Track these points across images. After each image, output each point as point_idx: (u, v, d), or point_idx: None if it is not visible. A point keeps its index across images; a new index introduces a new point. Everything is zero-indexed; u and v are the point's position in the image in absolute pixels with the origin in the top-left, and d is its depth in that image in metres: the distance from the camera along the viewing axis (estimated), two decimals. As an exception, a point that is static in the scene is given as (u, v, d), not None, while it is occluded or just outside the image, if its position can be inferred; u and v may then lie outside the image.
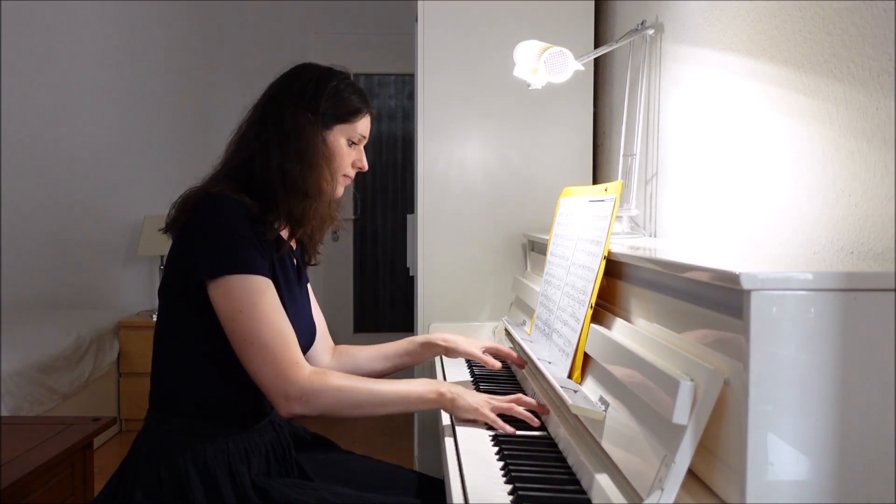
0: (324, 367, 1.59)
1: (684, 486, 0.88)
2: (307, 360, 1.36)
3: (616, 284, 1.35)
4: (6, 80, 4.14)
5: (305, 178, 1.37)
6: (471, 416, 1.34)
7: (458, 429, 1.33)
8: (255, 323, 1.25)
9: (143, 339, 3.79)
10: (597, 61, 2.36)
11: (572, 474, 1.13)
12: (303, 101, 1.39)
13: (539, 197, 2.30)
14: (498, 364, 1.61)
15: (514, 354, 1.67)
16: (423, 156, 2.30)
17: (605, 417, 1.12)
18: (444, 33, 2.28)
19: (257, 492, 1.28)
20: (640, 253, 1.21)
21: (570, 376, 1.33)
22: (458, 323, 2.28)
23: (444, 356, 1.78)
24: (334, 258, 4.51)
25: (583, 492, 1.06)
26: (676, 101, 1.78)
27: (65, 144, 4.21)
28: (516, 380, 1.70)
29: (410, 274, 2.62)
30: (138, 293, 4.25)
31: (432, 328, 2.24)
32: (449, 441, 1.28)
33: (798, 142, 1.25)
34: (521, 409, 1.35)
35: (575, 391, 1.23)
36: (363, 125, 1.46)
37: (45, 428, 2.06)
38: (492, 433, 1.31)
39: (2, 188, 4.17)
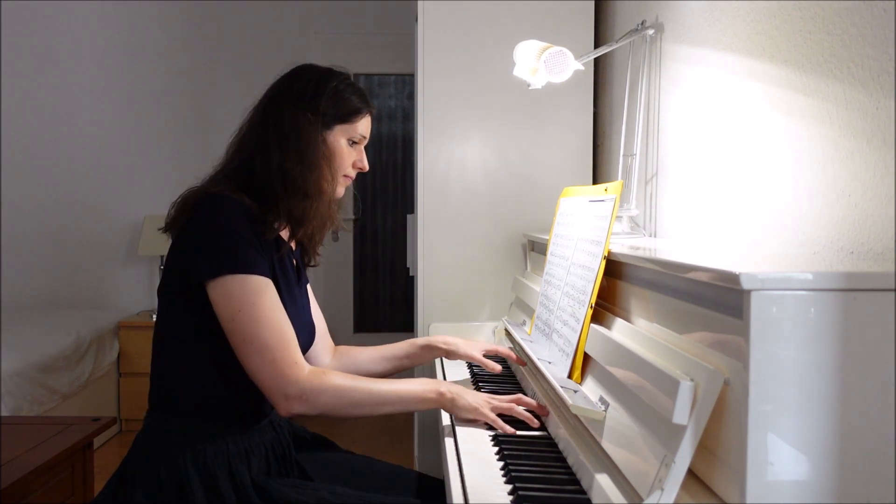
0: (324, 367, 1.59)
1: (684, 486, 0.88)
2: (307, 360, 1.36)
3: (616, 284, 1.35)
4: (6, 80, 4.14)
5: (305, 178, 1.37)
6: (471, 416, 1.34)
7: (459, 429, 1.33)
8: (255, 322, 1.25)
9: (143, 339, 3.78)
10: (597, 61, 2.36)
11: (572, 474, 1.13)
12: (303, 101, 1.39)
13: (539, 197, 2.30)
14: (498, 367, 1.61)
15: (514, 355, 1.67)
16: (423, 156, 2.30)
17: (605, 417, 1.12)
18: (444, 33, 2.27)
19: (257, 492, 1.28)
20: (640, 253, 1.21)
21: (570, 376, 1.33)
22: (458, 323, 2.27)
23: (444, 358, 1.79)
24: (334, 258, 4.51)
25: (583, 492, 1.06)
26: (676, 101, 1.78)
27: (65, 144, 4.21)
28: (516, 380, 1.70)
29: (410, 274, 2.62)
30: (138, 293, 4.26)
31: (432, 328, 2.24)
32: (449, 441, 1.28)
33: (798, 142, 1.25)
34: (521, 410, 1.35)
35: (575, 391, 1.23)
36: (363, 125, 1.46)
37: (45, 428, 2.05)
38: (492, 433, 1.31)
39: (2, 188, 4.17)
